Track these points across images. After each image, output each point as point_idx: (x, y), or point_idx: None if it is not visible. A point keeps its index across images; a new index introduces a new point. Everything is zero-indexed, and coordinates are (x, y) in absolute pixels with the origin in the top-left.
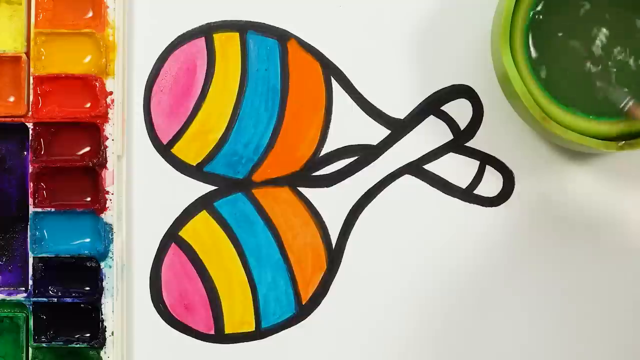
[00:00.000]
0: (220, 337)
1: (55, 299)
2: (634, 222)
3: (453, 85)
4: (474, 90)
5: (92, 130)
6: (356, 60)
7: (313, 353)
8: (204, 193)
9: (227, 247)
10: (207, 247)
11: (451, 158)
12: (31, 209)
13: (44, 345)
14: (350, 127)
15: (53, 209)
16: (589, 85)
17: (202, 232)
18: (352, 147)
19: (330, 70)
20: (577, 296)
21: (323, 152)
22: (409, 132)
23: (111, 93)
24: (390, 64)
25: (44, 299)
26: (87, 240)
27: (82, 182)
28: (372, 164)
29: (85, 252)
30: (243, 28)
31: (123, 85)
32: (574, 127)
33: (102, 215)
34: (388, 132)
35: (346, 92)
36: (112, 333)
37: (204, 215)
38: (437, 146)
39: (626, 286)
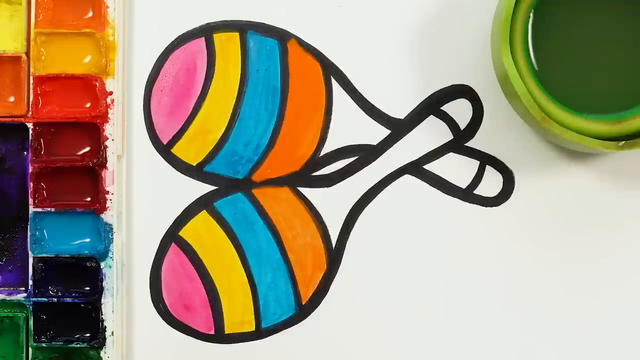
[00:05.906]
0: (220, 337)
1: (55, 299)
2: (634, 222)
3: (453, 85)
4: (474, 90)
5: (92, 130)
6: (356, 60)
7: (313, 353)
8: (204, 193)
9: (227, 247)
10: (207, 247)
11: (451, 158)
12: (31, 209)
13: (44, 345)
14: (350, 127)
15: (53, 209)
16: (589, 85)
17: (202, 232)
18: (352, 147)
19: (330, 70)
20: (577, 296)
21: (323, 152)
22: (409, 132)
23: (111, 93)
24: (390, 64)
25: (44, 299)
26: (87, 240)
27: (82, 182)
28: (372, 164)
29: (85, 252)
30: (243, 28)
31: (123, 85)
32: (574, 127)
33: (102, 215)
34: (388, 132)
35: (346, 92)
36: (112, 333)
37: (204, 215)
38: (437, 146)
39: (626, 286)
